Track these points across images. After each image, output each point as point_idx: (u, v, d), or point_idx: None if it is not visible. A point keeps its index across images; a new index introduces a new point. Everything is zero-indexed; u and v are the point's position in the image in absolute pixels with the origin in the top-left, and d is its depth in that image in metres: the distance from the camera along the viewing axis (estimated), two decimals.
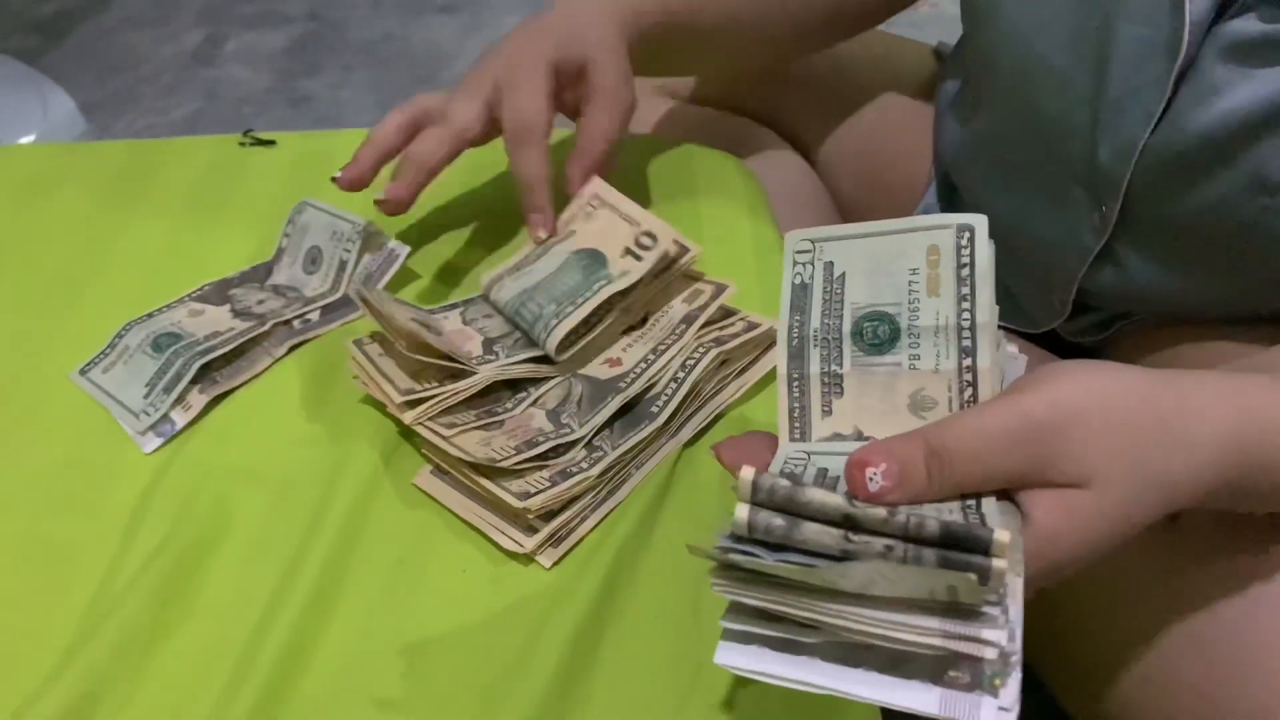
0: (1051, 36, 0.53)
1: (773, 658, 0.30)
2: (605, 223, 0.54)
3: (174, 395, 0.52)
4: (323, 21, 1.88)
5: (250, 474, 0.48)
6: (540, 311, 0.50)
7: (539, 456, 0.44)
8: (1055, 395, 0.33)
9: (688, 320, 0.50)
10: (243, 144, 0.74)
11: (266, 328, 0.55)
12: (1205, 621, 0.45)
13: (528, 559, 0.43)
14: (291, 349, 0.55)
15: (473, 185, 0.68)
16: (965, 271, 0.35)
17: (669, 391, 0.47)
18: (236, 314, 0.57)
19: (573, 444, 0.45)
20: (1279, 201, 0.48)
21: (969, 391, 0.34)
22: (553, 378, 0.50)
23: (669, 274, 0.52)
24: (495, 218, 0.64)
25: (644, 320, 0.52)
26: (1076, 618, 0.51)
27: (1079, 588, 0.50)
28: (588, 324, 0.50)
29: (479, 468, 0.44)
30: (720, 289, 0.52)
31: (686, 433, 0.48)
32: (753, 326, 0.50)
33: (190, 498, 0.48)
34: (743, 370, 0.51)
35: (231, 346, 0.54)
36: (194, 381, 0.52)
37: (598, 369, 0.50)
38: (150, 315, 0.57)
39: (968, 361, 0.34)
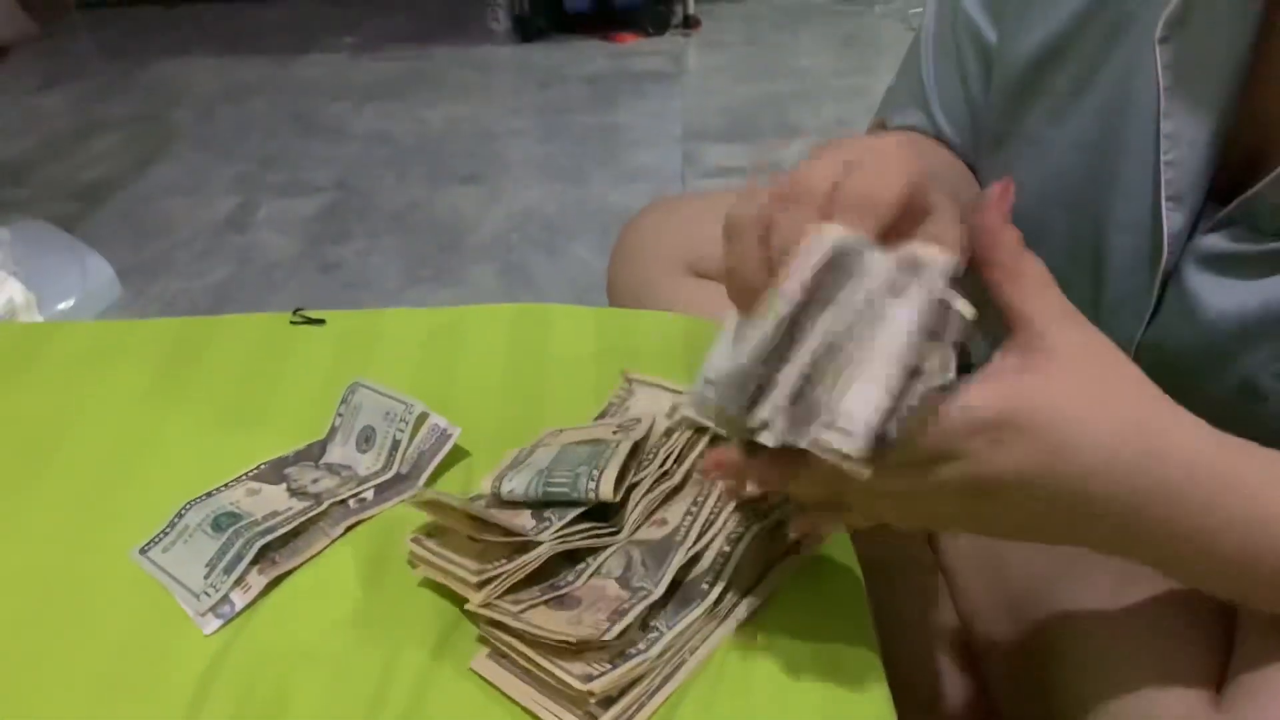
0: (1050, 242, 0.58)
1: None
2: (647, 399, 0.57)
3: (234, 576, 0.53)
4: (350, 190, 1.98)
5: (309, 656, 0.49)
6: (574, 474, 0.52)
7: (630, 626, 0.45)
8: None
9: None
10: (294, 322, 0.77)
11: (323, 507, 0.57)
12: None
13: None
14: (348, 529, 0.57)
15: (517, 358, 0.71)
16: None
17: (717, 565, 0.49)
18: (293, 493, 0.59)
19: (648, 611, 0.47)
20: (1273, 409, 0.50)
21: None
22: (609, 545, 0.51)
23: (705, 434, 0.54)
24: (537, 391, 0.67)
25: (683, 484, 0.54)
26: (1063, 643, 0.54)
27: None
28: (629, 467, 0.52)
29: (540, 648, 0.45)
30: None
31: (742, 612, 0.49)
32: None
33: (250, 681, 0.48)
34: (791, 549, 0.52)
35: (290, 527, 0.56)
36: (254, 562, 0.54)
37: (648, 531, 0.52)
38: (209, 494, 0.59)
39: None
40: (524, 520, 0.52)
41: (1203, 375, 0.52)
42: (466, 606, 0.48)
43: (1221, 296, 0.50)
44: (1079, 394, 0.39)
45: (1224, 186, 0.51)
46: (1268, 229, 0.47)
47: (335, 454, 0.63)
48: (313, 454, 0.63)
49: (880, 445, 0.37)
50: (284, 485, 0.60)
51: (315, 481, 0.60)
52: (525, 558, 0.49)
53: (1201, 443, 0.41)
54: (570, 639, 0.44)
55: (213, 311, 1.60)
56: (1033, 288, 0.40)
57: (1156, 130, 0.51)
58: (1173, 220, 0.51)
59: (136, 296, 1.67)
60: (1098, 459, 0.38)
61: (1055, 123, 0.57)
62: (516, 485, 0.53)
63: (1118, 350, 0.40)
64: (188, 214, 1.92)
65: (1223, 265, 0.50)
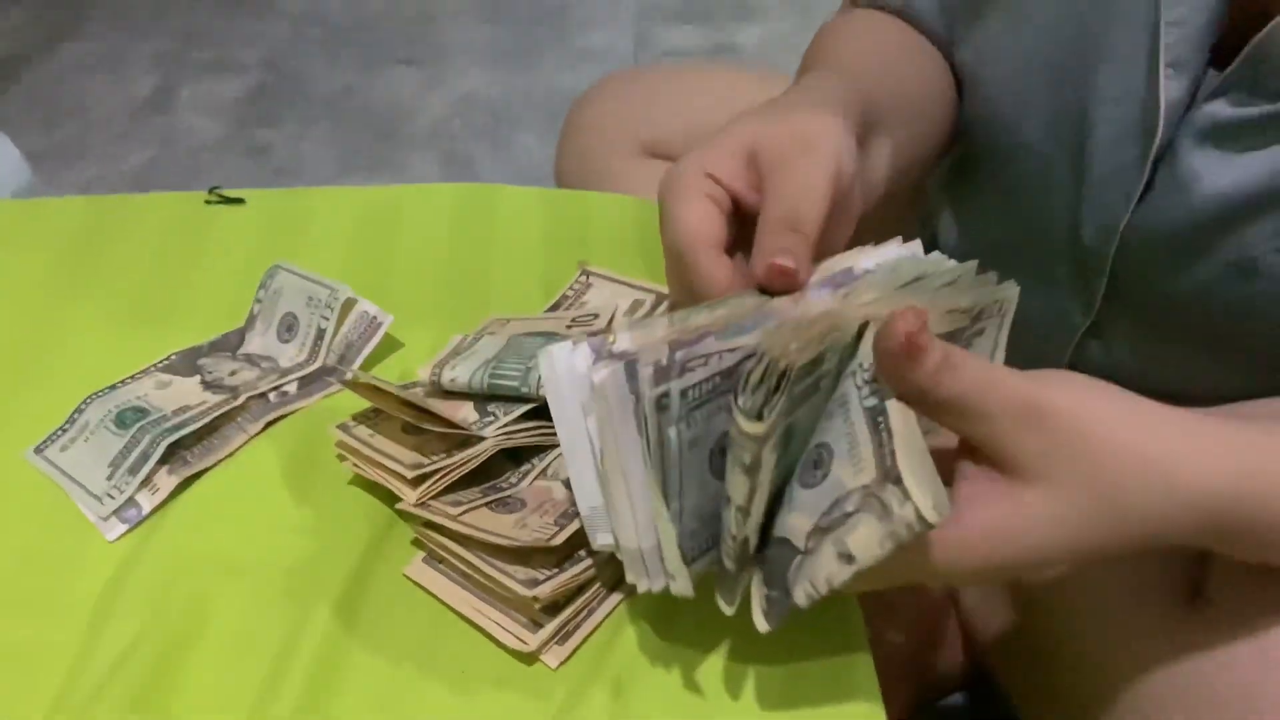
0: (1031, 118, 0.53)
1: None
2: (605, 293, 0.53)
3: (140, 477, 0.48)
4: (279, 71, 1.86)
5: (227, 564, 0.45)
6: (525, 367, 0.47)
7: (578, 531, 0.41)
8: (1061, 394, 0.33)
9: None
10: (209, 201, 0.71)
11: (240, 401, 0.52)
12: (1219, 680, 0.44)
13: (532, 658, 0.41)
14: (268, 425, 0.52)
15: (458, 242, 0.65)
16: None
17: None
18: (207, 386, 0.54)
19: None
20: (1265, 286, 0.47)
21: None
22: (556, 446, 0.47)
23: None
24: (481, 278, 0.62)
25: None
26: (1070, 655, 0.50)
27: (1078, 625, 0.50)
28: None
29: (481, 551, 0.41)
30: (661, 297, 0.51)
31: None
32: None
33: (161, 591, 0.44)
34: None
35: (203, 423, 0.50)
36: (162, 461, 0.49)
37: None
38: (113, 388, 0.54)
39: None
40: (466, 413, 0.48)
41: (1191, 256, 0.49)
42: (399, 505, 0.44)
43: (1220, 171, 0.46)
44: (1065, 517, 0.33)
45: (1224, 52, 0.46)
46: (1275, 87, 0.43)
47: (254, 344, 0.57)
48: (230, 344, 0.58)
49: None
50: (197, 378, 0.55)
51: (232, 374, 0.55)
52: (467, 453, 0.44)
53: (1217, 479, 0.35)
54: (515, 543, 0.40)
55: None
56: (975, 408, 0.33)
57: None
58: (1171, 89, 0.47)
59: (49, 183, 1.55)
60: (1115, 552, 0.35)
61: None
62: (459, 374, 0.48)
63: (1083, 428, 0.34)
64: (104, 94, 1.79)
65: (1223, 136, 0.46)
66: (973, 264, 0.39)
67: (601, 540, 0.38)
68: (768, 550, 0.36)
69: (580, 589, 0.42)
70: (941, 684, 0.71)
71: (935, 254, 0.40)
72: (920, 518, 0.30)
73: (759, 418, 0.32)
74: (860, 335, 0.35)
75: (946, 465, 0.35)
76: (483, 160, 1.61)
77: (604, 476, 0.36)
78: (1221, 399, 0.58)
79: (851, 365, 0.35)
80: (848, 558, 0.32)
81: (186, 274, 0.64)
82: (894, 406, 0.32)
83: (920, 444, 0.31)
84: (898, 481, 0.31)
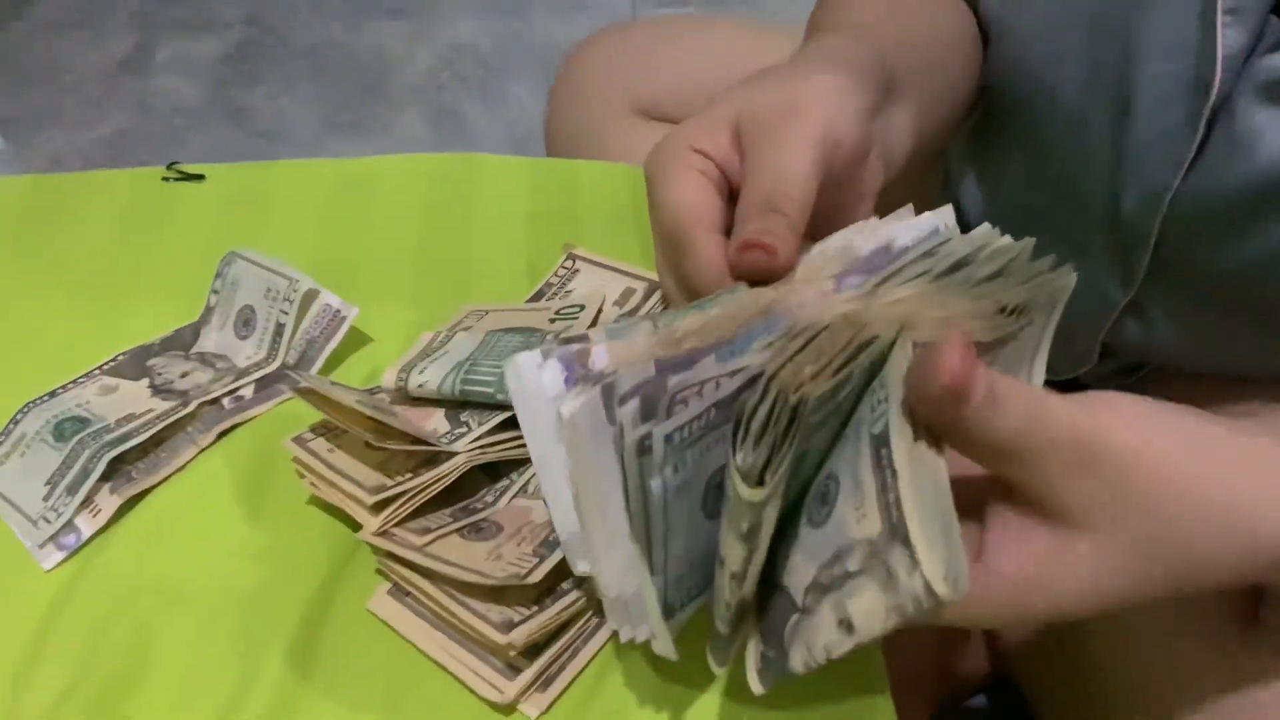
0: (1066, 71, 0.48)
1: None
2: (593, 280, 0.48)
3: (80, 496, 0.43)
4: (261, 26, 1.78)
5: (174, 595, 0.41)
6: (501, 368, 0.42)
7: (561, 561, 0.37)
8: (1118, 428, 0.28)
9: None
10: (166, 179, 0.66)
11: (191, 408, 0.47)
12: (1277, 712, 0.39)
13: (510, 707, 0.36)
14: (221, 435, 0.47)
15: (436, 220, 0.60)
16: None
17: None
18: (157, 391, 0.49)
19: None
20: None
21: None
22: None
23: None
24: (460, 261, 0.57)
25: None
26: (1107, 671, 0.46)
27: (1119, 641, 0.45)
28: None
29: (451, 588, 0.37)
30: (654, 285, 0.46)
31: None
32: None
33: (101, 627, 0.40)
34: None
35: (150, 433, 0.46)
36: (104, 478, 0.44)
37: None
38: (53, 394, 0.49)
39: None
40: (436, 423, 0.43)
41: (1247, 225, 0.44)
42: (361, 534, 0.39)
43: None
44: (1121, 568, 0.29)
45: None
46: None
47: (210, 341, 0.52)
48: (183, 341, 0.53)
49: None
50: (146, 381, 0.50)
51: (184, 376, 0.50)
52: (435, 471, 0.40)
53: None
54: (487, 580, 0.36)
55: (109, 167, 1.44)
56: (1021, 449, 0.28)
57: None
58: (1229, 38, 0.41)
59: (20, 150, 1.50)
60: (1172, 596, 0.30)
61: None
62: (429, 379, 0.43)
63: (1147, 472, 0.29)
64: (76, 55, 1.71)
65: None
66: (1028, 243, 0.34)
67: (582, 568, 0.34)
68: (770, 598, 0.31)
69: (564, 626, 0.37)
70: (964, 687, 0.67)
71: (983, 228, 0.35)
72: (930, 592, 0.25)
73: (760, 482, 0.27)
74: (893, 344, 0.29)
75: (972, 497, 0.30)
76: (474, 115, 1.55)
77: (579, 514, 0.31)
78: (1267, 377, 0.53)
79: (875, 382, 0.30)
80: (848, 626, 0.27)
81: (141, 260, 0.59)
82: (899, 434, 0.27)
83: (936, 486, 0.26)
84: (906, 542, 0.26)
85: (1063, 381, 0.60)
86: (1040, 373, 0.38)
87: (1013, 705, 0.61)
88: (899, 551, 0.26)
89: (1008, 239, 0.34)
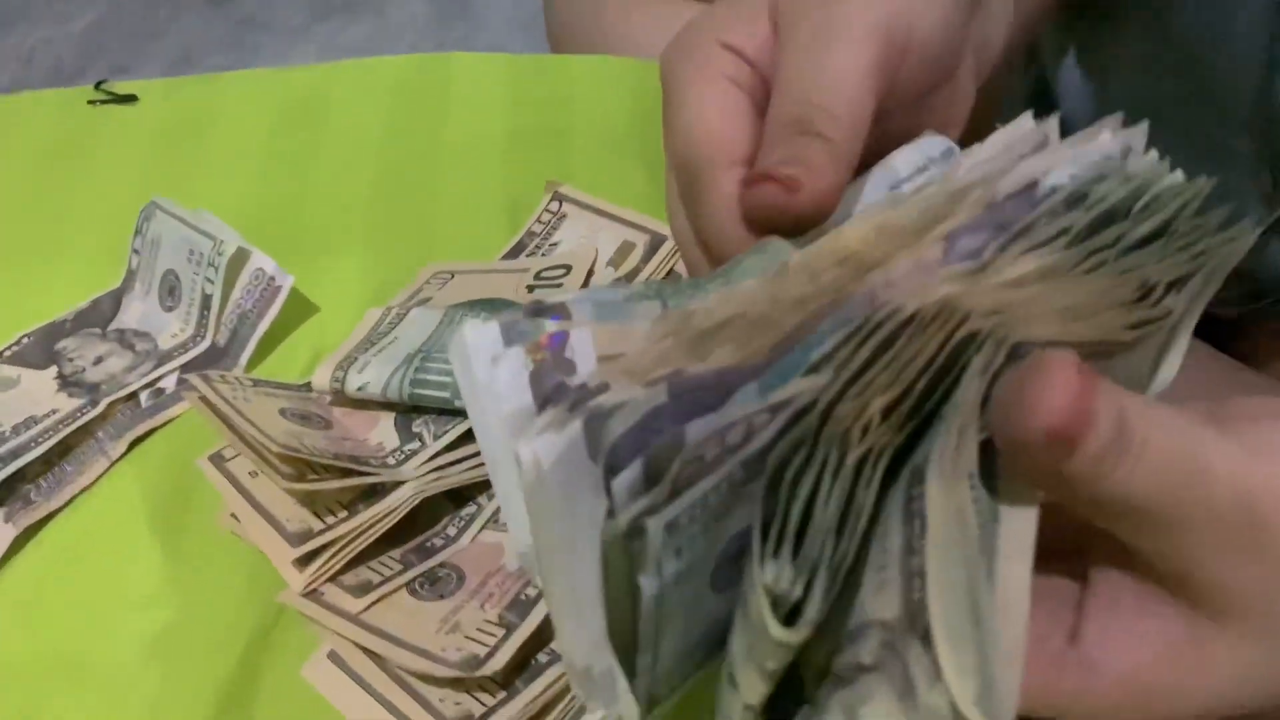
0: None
1: None
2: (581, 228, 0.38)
3: None
4: None
5: (71, 665, 0.33)
6: None
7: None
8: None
9: None
10: (93, 102, 0.56)
11: (101, 408, 0.39)
12: None
13: None
14: (135, 443, 0.39)
15: (399, 144, 0.51)
16: None
17: None
18: (65, 383, 0.41)
19: None
20: None
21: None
22: None
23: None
24: (426, 202, 0.48)
25: None
26: None
27: None
28: None
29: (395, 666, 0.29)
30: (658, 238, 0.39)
31: None
32: None
33: None
34: None
35: (53, 442, 0.38)
36: None
37: None
38: None
39: None
40: (381, 434, 0.34)
41: None
42: (282, 596, 0.31)
43: None
44: (1266, 674, 0.21)
45: None
46: None
47: (133, 312, 0.44)
48: (102, 314, 0.44)
49: None
50: (53, 369, 0.42)
51: (98, 362, 0.42)
52: (376, 509, 0.31)
53: None
54: (437, 669, 0.27)
55: (81, 67, 1.34)
56: (1162, 514, 0.19)
57: None
58: None
59: None
60: None
61: None
62: (370, 379, 0.35)
63: None
64: None
65: None
66: (1204, 185, 0.23)
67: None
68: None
69: (544, 710, 0.29)
70: None
71: (1149, 159, 0.24)
72: (958, 715, 0.17)
73: (796, 612, 0.18)
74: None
75: (1060, 546, 0.21)
76: None
77: (540, 574, 0.22)
78: None
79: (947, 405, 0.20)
80: None
81: (59, 208, 0.50)
82: (940, 470, 0.18)
83: (971, 567, 0.17)
84: (926, 639, 0.17)
85: None
86: (1175, 363, 0.28)
87: None
88: (917, 651, 0.18)
89: (1178, 176, 0.23)
